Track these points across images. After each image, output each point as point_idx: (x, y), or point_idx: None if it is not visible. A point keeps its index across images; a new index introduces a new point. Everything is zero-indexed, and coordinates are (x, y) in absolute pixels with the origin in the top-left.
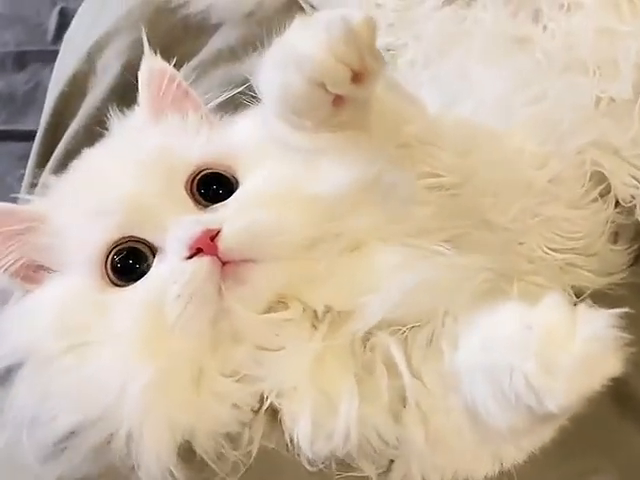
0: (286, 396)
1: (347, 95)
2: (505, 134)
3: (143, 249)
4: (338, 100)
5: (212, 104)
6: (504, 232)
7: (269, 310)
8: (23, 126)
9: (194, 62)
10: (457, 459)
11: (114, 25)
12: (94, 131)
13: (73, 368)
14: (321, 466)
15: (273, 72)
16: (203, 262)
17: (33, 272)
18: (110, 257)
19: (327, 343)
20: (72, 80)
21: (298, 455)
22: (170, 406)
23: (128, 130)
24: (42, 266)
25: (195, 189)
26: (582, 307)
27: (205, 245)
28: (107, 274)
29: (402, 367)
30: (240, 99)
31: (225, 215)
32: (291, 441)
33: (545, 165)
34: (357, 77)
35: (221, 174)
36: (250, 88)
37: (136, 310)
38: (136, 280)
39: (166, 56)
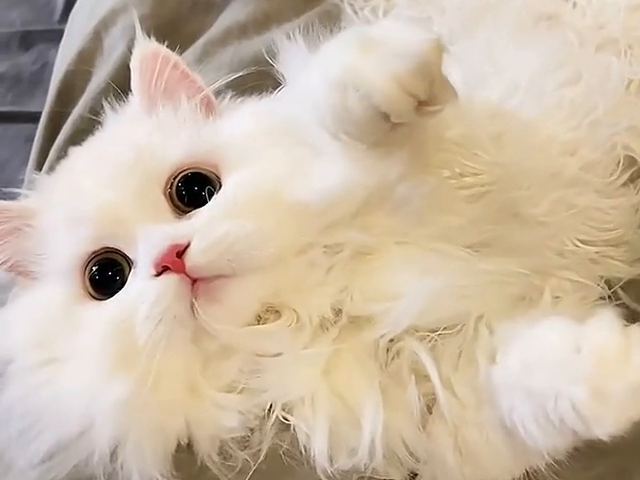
0: (295, 408)
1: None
2: (537, 120)
3: (120, 260)
4: (396, 125)
5: (214, 87)
6: (538, 227)
7: (259, 319)
8: (30, 107)
9: (202, 40)
10: (486, 471)
11: (121, 1)
12: (100, 113)
13: (45, 385)
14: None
15: (330, 92)
16: (170, 281)
17: (21, 274)
18: (88, 269)
19: (339, 347)
20: (78, 59)
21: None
22: (154, 417)
23: (120, 123)
24: (28, 270)
25: (174, 191)
26: (635, 328)
27: (171, 262)
28: (86, 286)
29: (434, 376)
30: (250, 80)
31: (196, 227)
32: (305, 449)
33: (576, 152)
34: (422, 104)
35: (203, 174)
36: (260, 69)
37: (104, 329)
38: (114, 293)
39: (173, 34)
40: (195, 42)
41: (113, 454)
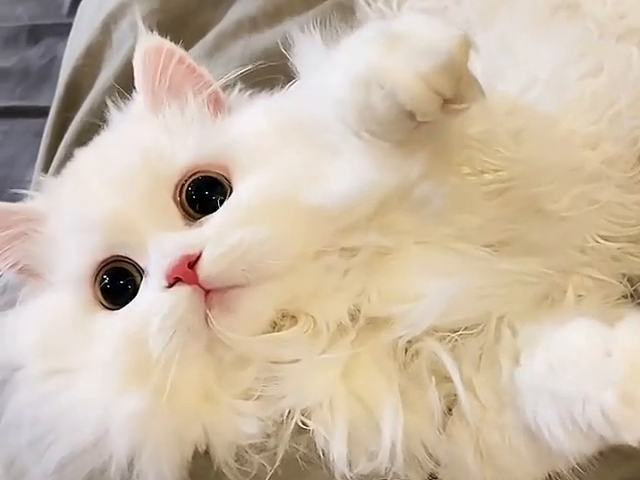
0: (313, 412)
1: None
2: (557, 114)
3: (131, 269)
4: (420, 123)
5: (222, 82)
6: (560, 223)
7: (274, 325)
8: (38, 102)
9: (212, 34)
10: (507, 474)
11: None
12: (108, 108)
13: (56, 395)
14: None
15: (354, 89)
16: (183, 293)
17: (31, 276)
18: (99, 278)
19: (357, 351)
20: (86, 53)
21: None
22: (171, 425)
23: (125, 123)
24: (37, 273)
25: (184, 197)
26: None
27: (183, 274)
28: (97, 296)
29: (455, 377)
30: (261, 74)
31: (207, 235)
32: (323, 453)
33: (597, 146)
34: (448, 102)
35: (214, 178)
36: (271, 64)
37: (117, 341)
38: (126, 302)
39: (182, 28)
40: (205, 36)
41: (130, 464)
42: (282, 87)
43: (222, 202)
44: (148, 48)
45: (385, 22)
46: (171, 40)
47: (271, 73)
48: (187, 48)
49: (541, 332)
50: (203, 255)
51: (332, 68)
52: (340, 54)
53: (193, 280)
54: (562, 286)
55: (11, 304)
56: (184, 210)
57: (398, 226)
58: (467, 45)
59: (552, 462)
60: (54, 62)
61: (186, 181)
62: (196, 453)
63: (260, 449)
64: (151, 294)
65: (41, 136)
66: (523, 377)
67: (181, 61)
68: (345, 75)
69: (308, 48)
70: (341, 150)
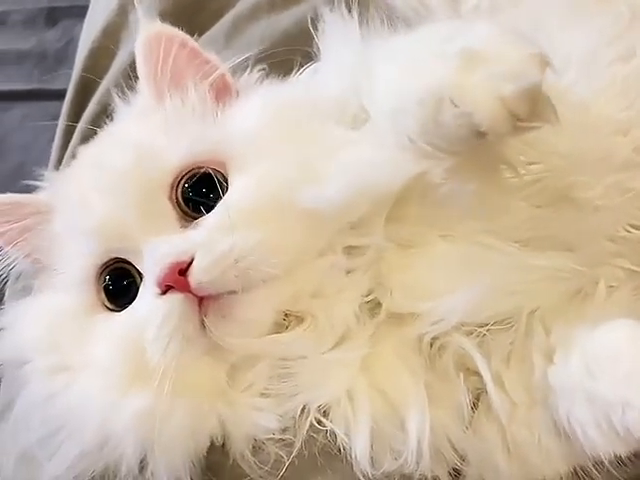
0: (332, 408)
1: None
2: (587, 99)
3: (132, 271)
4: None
5: (230, 65)
6: (594, 213)
7: (279, 326)
8: (55, 85)
9: (229, 16)
10: (534, 469)
11: None
12: (126, 90)
13: (62, 393)
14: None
15: (422, 103)
16: (174, 301)
17: (42, 268)
18: (101, 279)
19: (376, 347)
20: (102, 35)
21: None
22: (183, 422)
23: (127, 118)
24: (46, 267)
25: (180, 197)
26: None
27: (174, 281)
28: (100, 297)
29: (485, 372)
30: (278, 55)
31: (198, 241)
32: (343, 447)
33: (629, 132)
34: (520, 120)
35: (209, 175)
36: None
37: (115, 345)
38: (129, 303)
39: (198, 11)
40: (220, 19)
41: (142, 463)
42: (300, 67)
43: (217, 201)
44: (149, 35)
45: (453, 27)
46: (187, 23)
47: (289, 54)
48: (203, 31)
49: (576, 331)
50: (194, 262)
51: (381, 67)
52: (397, 55)
53: (185, 288)
54: (593, 277)
55: (27, 291)
56: (181, 210)
57: (420, 219)
58: (545, 66)
59: (580, 458)
60: (71, 44)
61: (182, 179)
62: (211, 446)
63: (278, 442)
64: (147, 299)
65: (58, 119)
66: (557, 376)
67: (183, 45)
68: (414, 87)
69: (337, 30)
70: (354, 140)
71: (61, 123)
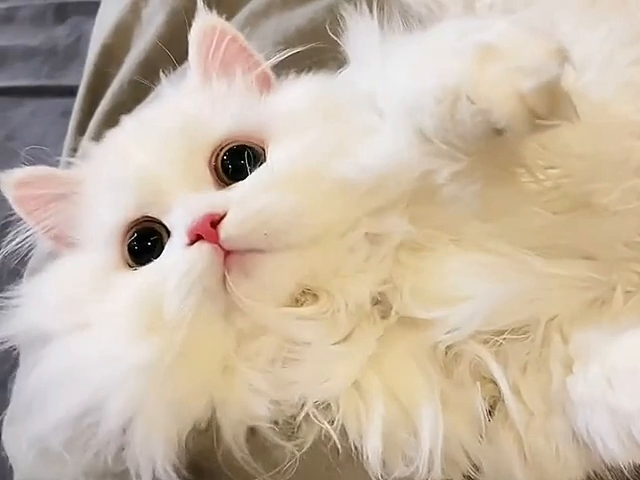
0: (340, 402)
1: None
2: (604, 100)
3: (159, 229)
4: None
5: (272, 62)
6: (611, 218)
7: (294, 301)
8: (65, 81)
9: (244, 12)
10: (550, 477)
11: None
12: (139, 85)
13: (75, 349)
14: None
15: (439, 101)
16: (202, 251)
17: (62, 242)
18: (127, 237)
19: (387, 346)
20: (115, 31)
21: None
22: (176, 390)
23: (175, 94)
24: (69, 237)
25: (219, 163)
26: None
27: (205, 232)
28: (124, 256)
29: (502, 381)
30: (310, 56)
31: (234, 197)
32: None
33: None
34: (538, 117)
35: (249, 147)
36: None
37: (133, 295)
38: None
39: (213, 6)
40: (236, 15)
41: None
42: (330, 67)
43: (255, 170)
44: (204, 25)
45: (469, 24)
46: None
47: (319, 54)
48: None
49: (595, 339)
50: (227, 216)
51: (401, 66)
52: (413, 52)
53: (214, 239)
54: (610, 284)
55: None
56: (217, 176)
57: (430, 220)
58: (565, 61)
59: (597, 465)
60: (80, 41)
61: (222, 149)
62: (202, 432)
63: (286, 434)
64: (173, 252)
65: (68, 116)
66: (576, 387)
67: (234, 40)
68: (430, 84)
69: (361, 30)
70: (379, 130)
71: (73, 119)
